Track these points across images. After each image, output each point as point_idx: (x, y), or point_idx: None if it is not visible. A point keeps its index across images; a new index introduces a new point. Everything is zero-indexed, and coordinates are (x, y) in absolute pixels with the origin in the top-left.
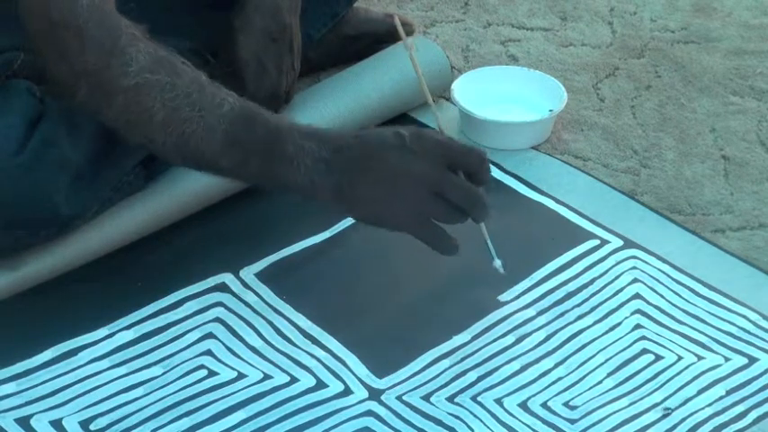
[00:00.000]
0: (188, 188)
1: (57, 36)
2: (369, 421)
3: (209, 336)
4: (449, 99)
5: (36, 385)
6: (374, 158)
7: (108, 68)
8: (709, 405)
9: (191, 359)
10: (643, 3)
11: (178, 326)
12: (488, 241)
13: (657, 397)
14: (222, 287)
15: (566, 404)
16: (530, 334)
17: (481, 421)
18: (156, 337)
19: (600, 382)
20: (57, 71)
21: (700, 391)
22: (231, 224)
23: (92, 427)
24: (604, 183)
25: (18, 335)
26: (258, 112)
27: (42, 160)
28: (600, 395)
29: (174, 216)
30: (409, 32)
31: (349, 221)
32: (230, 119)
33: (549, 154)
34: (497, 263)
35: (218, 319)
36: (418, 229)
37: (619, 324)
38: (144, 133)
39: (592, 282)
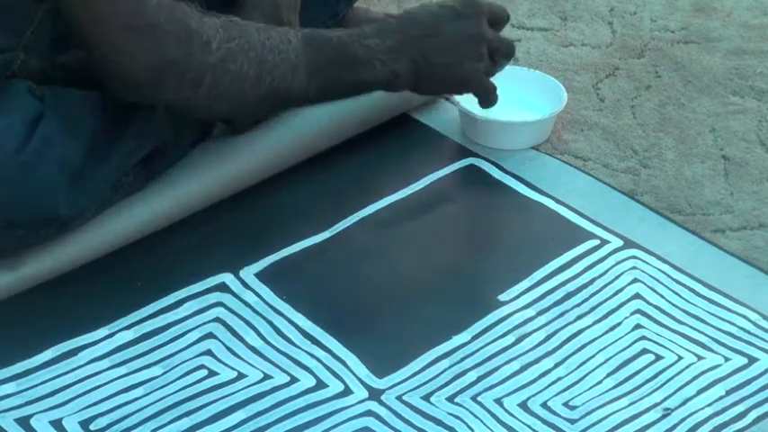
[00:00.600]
0: (188, 188)
1: (130, 36)
2: (369, 421)
3: (209, 336)
4: (449, 99)
5: (36, 385)
6: (437, 32)
7: (191, 54)
8: (709, 405)
9: (191, 359)
10: (643, 3)
11: (178, 326)
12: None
13: (657, 397)
14: (222, 287)
15: (566, 404)
16: (530, 334)
17: (481, 421)
18: (156, 337)
19: (600, 382)
20: (133, 71)
21: (699, 391)
22: (231, 224)
23: (92, 427)
24: (604, 183)
25: (18, 335)
26: (320, 34)
27: (42, 160)
28: (600, 395)
29: (174, 216)
30: None
31: (350, 221)
32: (304, 50)
33: (549, 154)
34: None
35: (218, 319)
36: (481, 84)
37: (619, 324)
38: (237, 98)
39: (592, 282)
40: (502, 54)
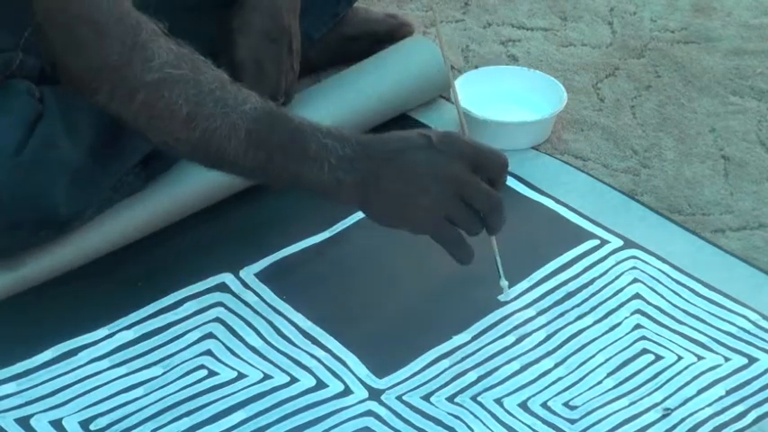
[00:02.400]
0: (188, 188)
1: (77, 33)
2: (369, 421)
3: (209, 336)
4: (449, 99)
5: (36, 385)
6: (400, 157)
7: (129, 64)
8: (709, 405)
9: (191, 359)
10: (643, 3)
11: (178, 326)
12: (497, 258)
13: (657, 397)
14: (222, 287)
15: (566, 404)
16: (530, 334)
17: (481, 421)
18: (156, 337)
19: (600, 382)
20: (76, 69)
21: (700, 391)
22: (231, 224)
23: (92, 427)
24: (604, 183)
25: (18, 335)
26: (281, 112)
27: (42, 160)
28: (600, 395)
29: (174, 216)
30: (409, 33)
31: (349, 221)
32: (253, 117)
33: (549, 154)
34: (504, 283)
35: (218, 319)
36: (440, 232)
37: (619, 324)
38: (167, 130)
39: (592, 282)
40: (481, 205)
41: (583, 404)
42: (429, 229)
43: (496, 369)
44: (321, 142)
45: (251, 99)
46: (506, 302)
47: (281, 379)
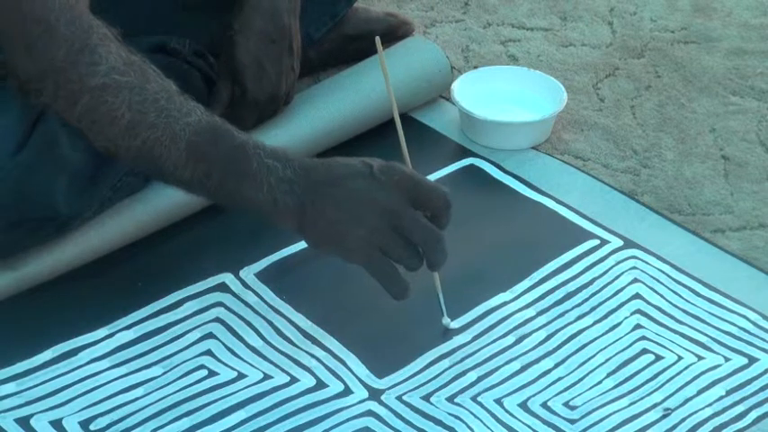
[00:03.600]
0: None
1: (26, 31)
2: (369, 421)
3: (210, 336)
4: (449, 99)
5: (36, 385)
6: (339, 183)
7: (76, 66)
8: (709, 405)
9: (191, 359)
10: (643, 3)
11: (178, 326)
12: (440, 295)
13: (657, 397)
14: (222, 287)
15: (566, 404)
16: (530, 334)
17: (481, 421)
18: (156, 337)
19: (600, 382)
20: (23, 67)
21: (700, 391)
22: (231, 224)
23: (92, 427)
24: (604, 183)
25: (18, 335)
26: (225, 127)
27: (42, 160)
28: (600, 395)
29: (174, 216)
30: (409, 32)
31: None
32: (196, 130)
33: (549, 154)
34: (446, 320)
35: (218, 320)
36: (372, 262)
37: (619, 324)
38: (108, 136)
39: (592, 282)
40: (418, 238)
41: (583, 404)
42: (361, 259)
43: (496, 369)
44: (263, 162)
45: (196, 112)
46: (506, 302)
47: (281, 379)
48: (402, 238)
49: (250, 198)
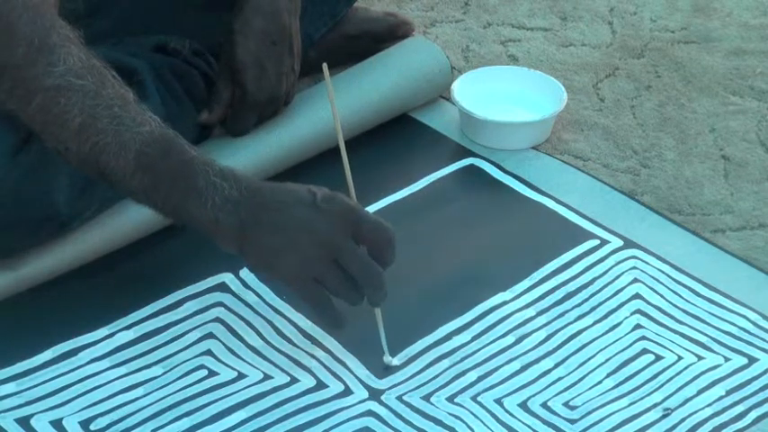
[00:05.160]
0: None
1: None
2: (369, 421)
3: (210, 336)
4: (449, 99)
5: (36, 385)
6: (281, 209)
7: (33, 65)
8: (709, 405)
9: (191, 359)
10: (643, 3)
11: (178, 326)
12: (381, 331)
13: (657, 397)
14: (222, 287)
15: (566, 404)
16: (530, 334)
17: (481, 421)
18: (156, 337)
19: (600, 382)
20: None
21: (700, 391)
22: None
23: (92, 427)
24: (604, 183)
25: (18, 335)
26: (177, 142)
27: (41, 160)
28: (600, 395)
29: None
30: (409, 31)
31: None
32: (147, 140)
33: (549, 154)
34: (387, 358)
35: (218, 319)
36: (304, 289)
37: (619, 324)
38: (59, 137)
39: (592, 282)
40: (356, 272)
41: (583, 404)
42: (294, 286)
43: (496, 369)
44: (210, 179)
45: (150, 123)
46: (506, 302)
47: (281, 379)
48: (341, 272)
49: (193, 215)
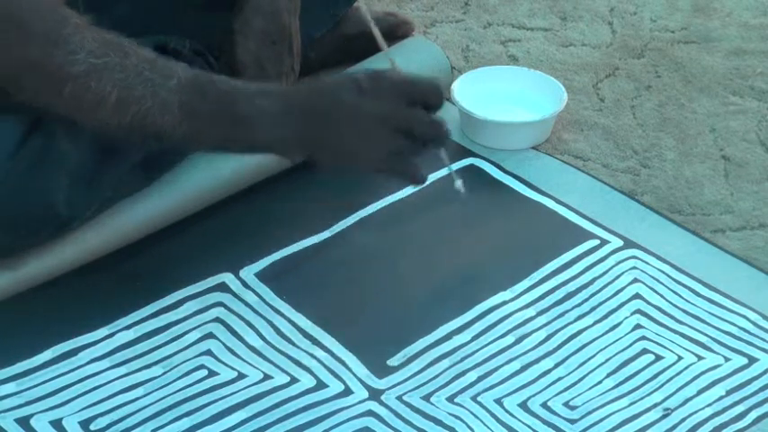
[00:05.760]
0: (188, 188)
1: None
2: (369, 421)
3: (210, 336)
4: (449, 99)
5: (36, 385)
6: (332, 105)
7: (53, 58)
8: (709, 405)
9: (191, 359)
10: (643, 3)
11: (178, 326)
12: (449, 165)
13: (657, 397)
14: (222, 287)
15: (566, 404)
16: (530, 334)
17: (481, 421)
18: (156, 337)
19: (600, 382)
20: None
21: (700, 392)
22: (231, 224)
23: (92, 427)
24: (604, 183)
25: (18, 335)
26: (209, 79)
27: (42, 160)
28: (600, 395)
29: (174, 216)
30: (409, 31)
31: (350, 221)
32: (183, 89)
33: (549, 154)
34: (458, 183)
35: (218, 319)
36: (389, 167)
37: (619, 324)
38: (99, 117)
39: (592, 282)
40: (424, 135)
41: (583, 404)
42: (375, 168)
43: (496, 369)
44: (251, 102)
45: (179, 72)
46: (506, 302)
47: (281, 379)
48: (406, 137)
49: (249, 141)
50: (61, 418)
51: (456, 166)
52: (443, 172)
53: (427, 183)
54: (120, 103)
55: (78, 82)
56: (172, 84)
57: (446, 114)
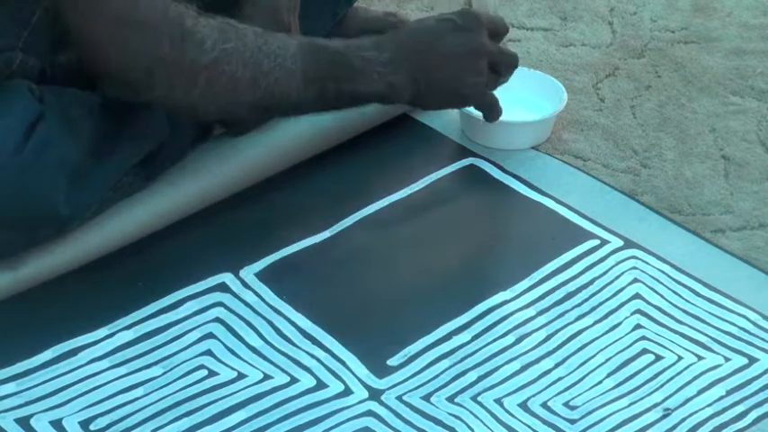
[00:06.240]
0: (188, 188)
1: (122, 35)
2: (369, 421)
3: (210, 336)
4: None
5: (36, 385)
6: (436, 46)
7: (184, 53)
8: (709, 405)
9: (191, 359)
10: (643, 3)
11: (178, 326)
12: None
13: (657, 397)
14: (222, 287)
15: (566, 404)
16: (530, 334)
17: (481, 421)
18: (156, 337)
19: (600, 382)
20: (125, 72)
21: (700, 392)
22: (231, 224)
23: (92, 427)
24: (604, 183)
25: (18, 335)
26: (317, 42)
27: (42, 160)
28: (600, 395)
29: (173, 216)
30: None
31: (350, 221)
32: (301, 57)
33: (549, 154)
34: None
35: (218, 319)
36: (487, 99)
37: (619, 324)
38: (233, 99)
39: (592, 282)
40: (504, 66)
41: (583, 404)
42: (476, 101)
43: (496, 369)
44: (361, 56)
45: (290, 41)
46: (506, 302)
47: (281, 379)
48: (491, 68)
49: (368, 92)
50: (61, 418)
51: (456, 166)
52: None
53: (427, 183)
54: (253, 81)
55: (211, 70)
56: (290, 53)
57: (446, 114)
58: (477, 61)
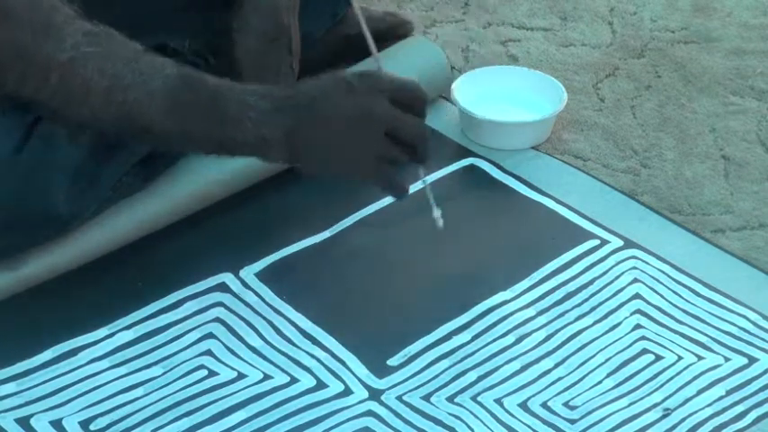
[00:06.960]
0: (188, 188)
1: None
2: (369, 421)
3: (209, 336)
4: (449, 99)
5: (36, 385)
6: (324, 104)
7: (41, 47)
8: (709, 405)
9: (191, 359)
10: (643, 3)
11: (178, 326)
12: (428, 190)
13: (657, 397)
14: (222, 287)
15: (566, 404)
16: (530, 334)
17: (481, 421)
18: (156, 337)
19: (600, 382)
20: None
21: (700, 392)
22: (231, 224)
23: (92, 427)
24: (604, 183)
25: (18, 335)
26: (198, 76)
27: (42, 160)
28: (600, 395)
29: (173, 216)
30: (409, 31)
31: (350, 221)
32: (171, 83)
33: (549, 154)
34: (437, 213)
35: (218, 319)
36: (377, 173)
37: (619, 324)
38: (86, 107)
39: (592, 282)
40: (408, 136)
41: (583, 404)
42: (367, 173)
43: (496, 369)
44: (240, 99)
45: (168, 66)
46: (506, 302)
47: (281, 379)
48: (393, 142)
49: (237, 141)
50: (61, 418)
51: (456, 166)
52: (429, 180)
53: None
54: (108, 92)
55: (65, 69)
56: (161, 76)
57: (446, 114)
58: (367, 128)
